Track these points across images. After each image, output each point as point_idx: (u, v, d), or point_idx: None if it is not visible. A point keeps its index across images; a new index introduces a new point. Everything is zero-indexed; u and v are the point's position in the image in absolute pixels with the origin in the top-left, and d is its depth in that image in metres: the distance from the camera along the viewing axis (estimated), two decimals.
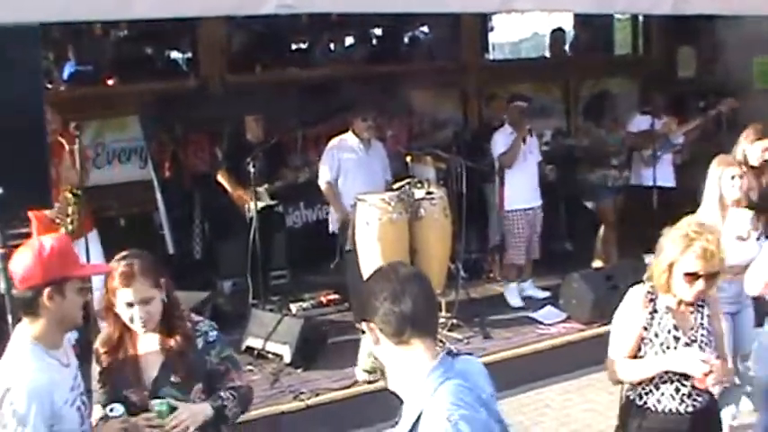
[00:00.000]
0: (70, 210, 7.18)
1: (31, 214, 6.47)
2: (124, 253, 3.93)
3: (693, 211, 5.80)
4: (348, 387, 7.23)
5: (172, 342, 3.92)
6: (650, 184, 9.96)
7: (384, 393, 6.97)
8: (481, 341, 8.10)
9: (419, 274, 3.04)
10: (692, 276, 4.09)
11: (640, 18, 13.60)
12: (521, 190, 9.20)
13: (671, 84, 12.22)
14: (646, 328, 4.26)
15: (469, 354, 3.28)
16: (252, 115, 9.14)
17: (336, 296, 9.18)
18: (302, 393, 7.08)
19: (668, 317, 4.24)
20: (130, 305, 3.82)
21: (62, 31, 10.18)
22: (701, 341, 4.24)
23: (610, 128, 10.01)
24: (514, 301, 9.23)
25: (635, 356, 4.31)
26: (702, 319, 4.29)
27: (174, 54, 11.89)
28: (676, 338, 4.22)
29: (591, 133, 10.11)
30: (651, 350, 4.25)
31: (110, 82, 11.04)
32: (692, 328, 4.25)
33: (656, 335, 4.24)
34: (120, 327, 3.93)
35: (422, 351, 2.87)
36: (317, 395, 7.08)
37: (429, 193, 8.29)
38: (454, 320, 8.37)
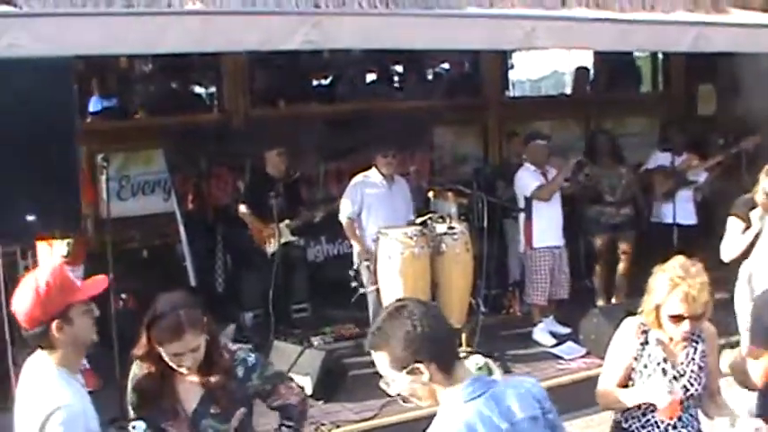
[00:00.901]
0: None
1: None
2: (167, 297, 3.89)
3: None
4: (369, 419, 7.27)
5: (212, 378, 3.91)
6: (670, 221, 9.99)
7: (405, 425, 7.02)
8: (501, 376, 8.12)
9: (423, 303, 3.15)
10: (677, 318, 4.15)
11: (659, 56, 13.68)
12: (548, 228, 9.15)
13: (691, 121, 12.25)
14: (636, 359, 4.30)
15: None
16: (274, 150, 9.20)
17: (357, 330, 9.19)
18: (323, 425, 7.12)
19: (658, 349, 4.28)
20: (178, 355, 3.81)
21: (87, 64, 10.28)
22: (690, 376, 4.27)
23: (607, 165, 10.05)
24: (545, 339, 9.14)
25: (625, 386, 4.34)
26: (695, 354, 4.32)
27: (198, 88, 11.99)
28: (664, 371, 4.24)
29: (586, 171, 10.13)
30: (639, 380, 4.29)
31: (135, 116, 11.17)
32: (681, 363, 4.29)
33: (645, 366, 4.28)
34: (160, 368, 3.90)
35: (457, 375, 3.00)
36: (338, 427, 7.13)
37: (451, 227, 8.33)
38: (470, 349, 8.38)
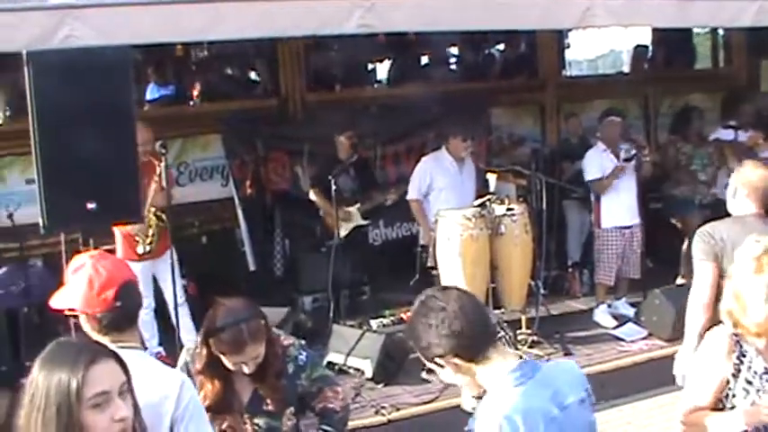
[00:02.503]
0: (151, 231, 7.31)
1: (115, 229, 6.60)
2: (226, 309, 3.86)
3: None
4: (429, 402, 7.26)
5: (266, 379, 3.94)
6: None
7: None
8: (562, 358, 8.06)
9: (448, 293, 3.10)
10: None
11: (720, 32, 13.47)
12: (618, 208, 8.98)
13: (754, 98, 12.05)
14: (734, 375, 3.68)
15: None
16: (344, 133, 9.19)
17: None
18: (383, 408, 7.12)
19: (760, 360, 3.65)
20: (239, 364, 3.84)
21: (143, 52, 10.36)
22: None
23: (697, 143, 9.91)
24: (605, 320, 9.05)
25: (716, 409, 3.75)
26: None
27: (255, 74, 12.02)
28: None
29: (678, 148, 10.00)
30: (744, 400, 3.66)
31: (192, 102, 11.25)
32: None
33: (749, 381, 3.66)
34: (222, 375, 3.93)
35: (500, 360, 2.98)
36: (398, 410, 7.13)
37: (510, 209, 8.29)
38: (535, 337, 8.31)
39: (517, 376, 2.91)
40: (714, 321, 4.56)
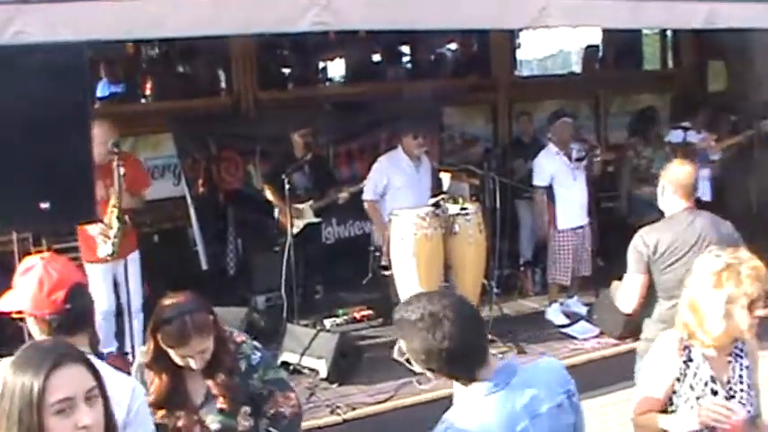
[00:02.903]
0: (112, 233, 7.22)
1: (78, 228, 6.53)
2: (171, 302, 3.83)
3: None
4: (384, 401, 7.24)
5: (217, 376, 3.91)
6: None
7: (420, 407, 7.02)
8: (515, 356, 8.09)
9: (455, 301, 3.00)
10: (752, 303, 3.63)
11: (669, 33, 13.62)
12: (572, 209, 9.09)
13: (702, 98, 12.22)
14: (679, 379, 3.78)
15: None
16: (298, 131, 9.09)
17: (370, 312, 9.20)
18: (338, 408, 7.08)
19: (706, 366, 3.76)
20: (185, 357, 3.82)
21: (94, 48, 10.25)
22: (742, 396, 3.80)
23: (657, 145, 10.01)
24: (558, 319, 9.14)
25: (664, 411, 3.84)
26: (742, 370, 3.84)
27: (207, 72, 11.95)
28: (714, 392, 3.75)
29: (639, 152, 10.08)
30: (685, 404, 3.76)
31: (143, 100, 11.15)
32: (730, 380, 3.80)
33: (692, 387, 3.76)
34: (170, 370, 3.90)
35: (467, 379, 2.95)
36: (354, 409, 7.08)
37: (464, 208, 8.28)
38: (488, 336, 8.33)
39: (490, 386, 2.89)
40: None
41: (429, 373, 3.00)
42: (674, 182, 5.65)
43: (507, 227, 9.42)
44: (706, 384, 3.76)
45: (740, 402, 3.73)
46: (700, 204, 9.67)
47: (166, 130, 9.84)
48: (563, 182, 9.07)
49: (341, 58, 13.39)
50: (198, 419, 3.91)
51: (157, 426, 3.65)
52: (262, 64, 10.94)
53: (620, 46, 13.52)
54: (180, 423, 3.90)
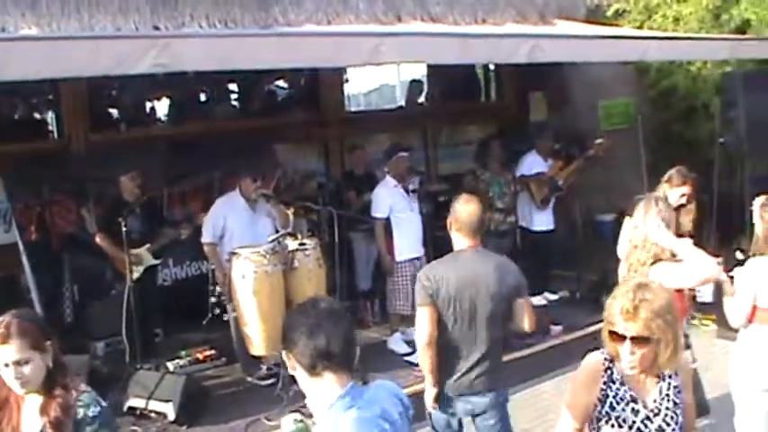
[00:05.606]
0: None
1: None
2: (10, 313, 3.81)
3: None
4: None
5: (50, 410, 3.81)
6: (542, 228, 10.75)
7: None
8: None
9: (336, 310, 3.25)
10: (617, 337, 3.63)
11: (491, 67, 14.09)
12: (409, 240, 9.32)
13: (525, 127, 12.75)
14: (600, 400, 3.77)
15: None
16: (127, 174, 9.03)
17: (213, 351, 9.15)
18: None
19: (625, 388, 3.77)
20: (6, 365, 3.75)
21: None
22: (666, 414, 3.76)
23: (497, 171, 10.35)
24: (400, 348, 9.31)
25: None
26: (669, 389, 3.79)
27: (37, 114, 11.68)
28: (635, 411, 3.74)
29: (478, 176, 10.44)
30: (606, 426, 3.76)
31: None
32: (654, 400, 3.77)
33: (612, 407, 3.76)
34: (4, 391, 3.84)
35: (332, 383, 3.13)
36: None
37: (302, 244, 8.36)
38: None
39: (348, 401, 3.10)
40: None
41: (315, 379, 3.14)
42: (457, 220, 5.71)
43: (345, 259, 9.55)
44: (627, 404, 3.75)
45: (663, 421, 3.73)
46: (545, 234, 10.19)
47: None
48: (401, 213, 9.29)
49: (167, 97, 13.28)
50: None
51: None
52: (93, 105, 10.78)
53: (447, 80, 13.83)
54: None
